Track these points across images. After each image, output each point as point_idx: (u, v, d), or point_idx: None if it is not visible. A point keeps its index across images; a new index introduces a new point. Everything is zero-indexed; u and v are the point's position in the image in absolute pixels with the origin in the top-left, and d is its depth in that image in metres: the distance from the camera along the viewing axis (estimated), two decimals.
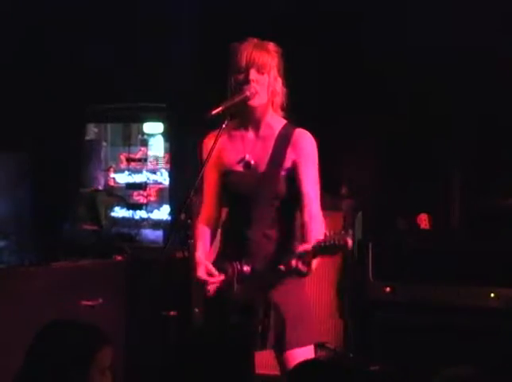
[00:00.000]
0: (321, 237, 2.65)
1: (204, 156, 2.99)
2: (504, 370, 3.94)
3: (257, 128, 2.99)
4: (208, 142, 2.99)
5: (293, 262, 2.69)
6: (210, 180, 3.08)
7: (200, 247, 3.04)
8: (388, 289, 4.27)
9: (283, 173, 2.92)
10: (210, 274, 2.93)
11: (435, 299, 4.17)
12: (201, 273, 2.92)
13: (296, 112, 3.04)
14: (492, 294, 4.07)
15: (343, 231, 2.62)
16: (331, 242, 2.60)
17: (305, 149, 2.94)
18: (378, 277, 4.29)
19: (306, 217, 2.85)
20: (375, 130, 4.85)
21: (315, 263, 2.71)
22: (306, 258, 2.68)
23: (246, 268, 2.91)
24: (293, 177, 2.92)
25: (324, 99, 4.82)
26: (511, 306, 4.04)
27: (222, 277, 2.93)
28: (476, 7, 4.48)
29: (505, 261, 4.06)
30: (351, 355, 4.11)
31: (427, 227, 4.59)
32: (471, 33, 4.47)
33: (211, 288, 2.93)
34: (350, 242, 2.59)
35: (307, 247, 2.68)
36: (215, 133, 2.95)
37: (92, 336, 2.29)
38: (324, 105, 4.78)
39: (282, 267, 2.75)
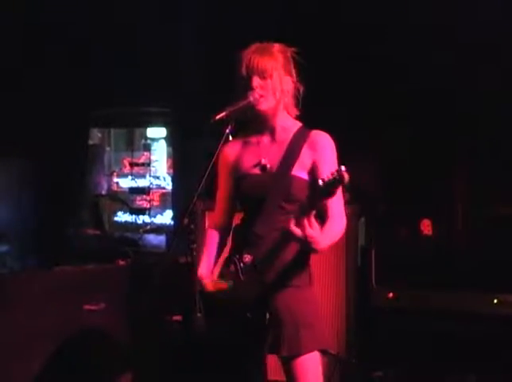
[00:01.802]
0: (333, 233, 2.75)
1: (221, 163, 3.01)
2: (506, 377, 3.94)
3: (272, 132, 2.98)
4: (228, 151, 2.98)
5: (291, 224, 2.63)
6: (223, 187, 3.08)
7: (205, 259, 3.06)
8: (391, 295, 4.27)
9: (303, 175, 2.89)
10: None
11: (438, 305, 4.16)
12: (209, 286, 2.94)
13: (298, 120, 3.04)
14: (495, 301, 4.07)
15: (335, 171, 2.50)
16: (325, 181, 2.50)
17: (324, 147, 2.90)
18: (381, 283, 4.29)
19: (327, 215, 2.82)
20: (377, 136, 4.85)
21: (324, 241, 2.67)
22: (306, 210, 2.60)
23: (247, 258, 2.89)
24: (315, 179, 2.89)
25: (325, 106, 4.81)
26: None
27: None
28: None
29: (508, 267, 4.06)
30: (354, 361, 4.11)
31: (430, 232, 4.58)
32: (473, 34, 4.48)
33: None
34: (346, 175, 2.47)
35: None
36: (235, 141, 2.98)
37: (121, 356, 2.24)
38: (325, 113, 4.77)
39: (286, 231, 2.67)
